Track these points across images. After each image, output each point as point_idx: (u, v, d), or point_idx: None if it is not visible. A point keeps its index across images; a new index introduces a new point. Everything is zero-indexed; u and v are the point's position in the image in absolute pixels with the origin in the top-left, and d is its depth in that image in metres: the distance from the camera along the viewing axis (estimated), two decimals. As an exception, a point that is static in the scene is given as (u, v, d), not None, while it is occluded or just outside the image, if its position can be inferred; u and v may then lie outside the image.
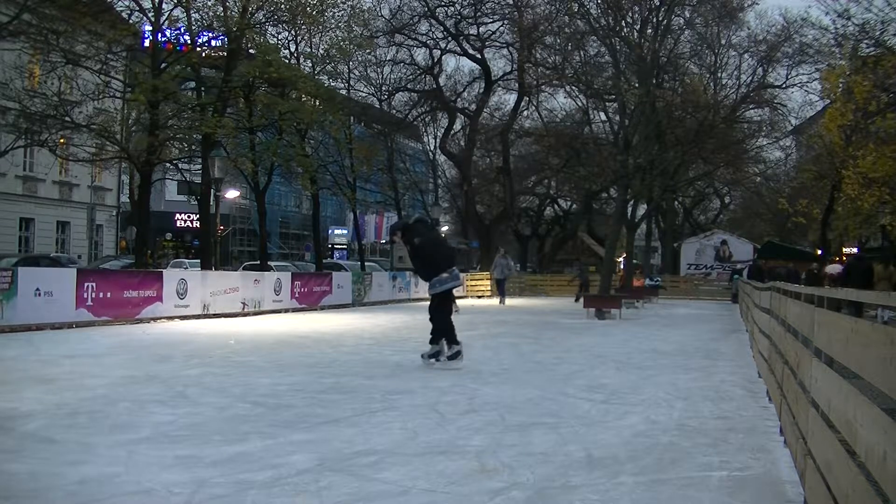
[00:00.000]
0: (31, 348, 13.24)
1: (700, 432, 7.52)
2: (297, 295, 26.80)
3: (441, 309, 12.51)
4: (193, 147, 32.14)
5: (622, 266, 43.58)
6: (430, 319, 12.58)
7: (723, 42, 47.24)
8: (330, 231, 71.47)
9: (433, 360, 12.26)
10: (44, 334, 16.00)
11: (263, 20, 32.19)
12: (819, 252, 44.35)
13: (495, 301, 37.53)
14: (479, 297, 41.99)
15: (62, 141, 32.10)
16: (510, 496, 5.25)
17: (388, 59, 50.31)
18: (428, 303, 12.58)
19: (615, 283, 33.65)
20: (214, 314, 22.36)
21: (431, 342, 12.45)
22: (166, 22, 30.05)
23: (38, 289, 17.21)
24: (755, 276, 31.71)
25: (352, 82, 47.02)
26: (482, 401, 8.94)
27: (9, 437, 6.73)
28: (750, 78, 49.05)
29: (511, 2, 48.69)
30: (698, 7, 37.84)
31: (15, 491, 5.15)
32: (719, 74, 49.47)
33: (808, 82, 48.99)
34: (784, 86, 50.40)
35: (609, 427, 7.68)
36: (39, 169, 40.68)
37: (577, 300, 35.77)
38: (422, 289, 37.51)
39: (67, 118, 29.23)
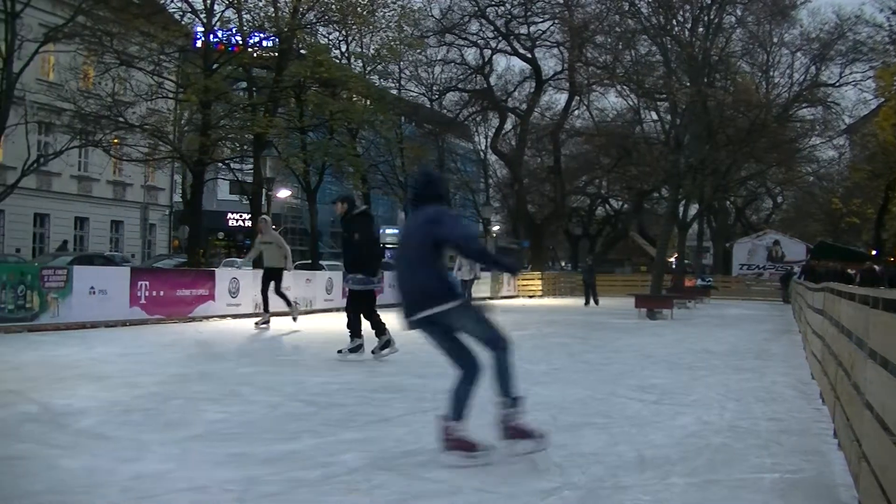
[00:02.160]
0: (85, 346, 13.36)
1: (752, 433, 7.45)
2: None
3: (362, 305, 12.67)
4: (245, 147, 32.49)
5: (674, 265, 43.30)
6: (365, 315, 12.72)
7: (775, 40, 46.67)
8: (381, 230, 71.55)
9: (385, 350, 12.47)
10: (98, 332, 16.13)
11: (314, 20, 32.43)
12: (874, 252, 43.74)
13: (546, 301, 37.34)
14: (531, 296, 41.94)
15: (115, 141, 32.42)
16: (561, 496, 5.24)
17: (438, 58, 50.47)
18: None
19: (667, 283, 33.35)
20: (266, 313, 22.41)
21: (377, 335, 12.60)
22: (218, 23, 30.38)
23: (92, 287, 17.33)
24: (808, 276, 31.39)
25: (402, 82, 47.33)
26: (533, 401, 8.84)
27: (64, 433, 6.81)
28: (802, 76, 48.55)
29: (561, 1, 48.38)
30: (750, 5, 37.47)
31: (70, 486, 5.21)
32: (771, 73, 49.07)
33: (861, 80, 48.45)
34: (837, 84, 49.71)
35: (660, 428, 7.62)
36: (94, 169, 41.24)
37: (586, 304, 34.71)
38: (475, 288, 37.61)
39: (121, 118, 29.64)
